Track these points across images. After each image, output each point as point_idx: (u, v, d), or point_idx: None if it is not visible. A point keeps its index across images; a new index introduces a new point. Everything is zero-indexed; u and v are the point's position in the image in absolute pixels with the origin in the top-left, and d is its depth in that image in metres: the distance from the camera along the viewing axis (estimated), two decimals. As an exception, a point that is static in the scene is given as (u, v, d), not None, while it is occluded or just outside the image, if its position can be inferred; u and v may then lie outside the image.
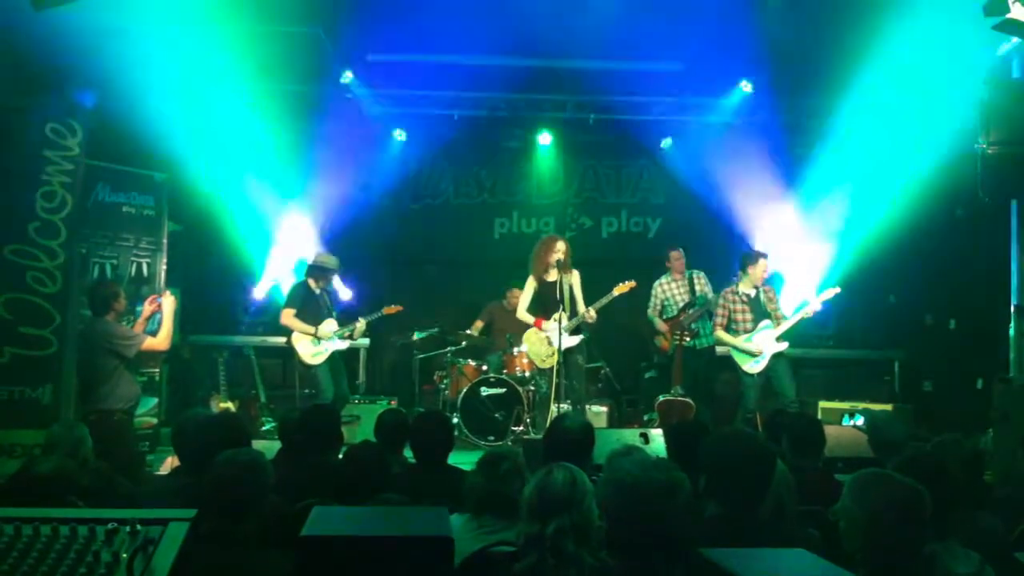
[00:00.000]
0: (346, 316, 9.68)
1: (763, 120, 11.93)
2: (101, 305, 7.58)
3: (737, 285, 9.47)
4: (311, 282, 9.40)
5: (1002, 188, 8.16)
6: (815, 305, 9.22)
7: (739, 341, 9.25)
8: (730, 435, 3.74)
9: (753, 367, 9.21)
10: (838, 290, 9.27)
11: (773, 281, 9.96)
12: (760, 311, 9.28)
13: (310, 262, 9.57)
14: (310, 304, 9.33)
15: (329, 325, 9.24)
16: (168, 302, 7.92)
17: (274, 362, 11.07)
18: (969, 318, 10.47)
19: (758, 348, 9.16)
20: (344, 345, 9.37)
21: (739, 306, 9.35)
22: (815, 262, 10.94)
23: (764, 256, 9.46)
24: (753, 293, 9.35)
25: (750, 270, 9.36)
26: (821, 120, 11.53)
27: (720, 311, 9.45)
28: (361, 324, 9.44)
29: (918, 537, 2.91)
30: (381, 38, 10.31)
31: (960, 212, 10.25)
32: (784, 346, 9.17)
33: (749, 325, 9.26)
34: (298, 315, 9.23)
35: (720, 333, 9.42)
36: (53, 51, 7.94)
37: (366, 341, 10.76)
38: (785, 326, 9.17)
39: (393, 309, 9.76)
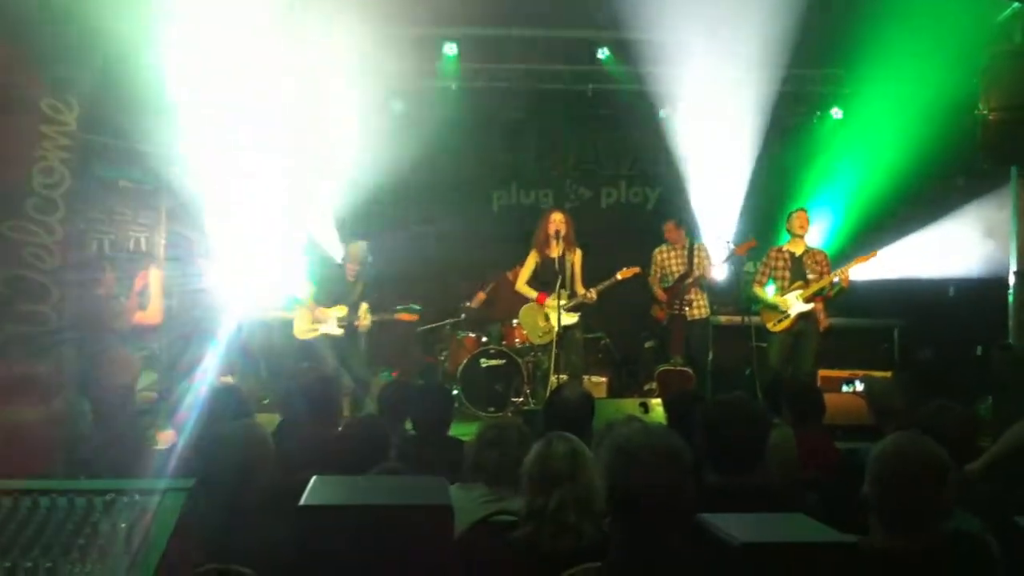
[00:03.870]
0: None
1: (762, 89, 11.92)
2: (90, 280, 7.61)
3: (784, 244, 9.53)
4: (348, 267, 9.67)
5: (1002, 154, 8.14)
6: (847, 270, 9.09)
7: (766, 296, 9.29)
8: (725, 401, 3.74)
9: (776, 325, 9.23)
10: (875, 254, 9.18)
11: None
12: (799, 272, 9.26)
13: None
14: (330, 284, 9.62)
15: (333, 311, 9.37)
16: (154, 276, 7.98)
17: (274, 335, 11.06)
18: (968, 285, 10.46)
19: (784, 305, 9.17)
20: (337, 331, 9.39)
21: (780, 263, 9.38)
22: (814, 229, 10.91)
23: (800, 209, 9.51)
24: (798, 253, 9.35)
25: (787, 225, 9.47)
26: (820, 89, 11.53)
27: (762, 268, 9.52)
28: (366, 316, 9.48)
29: (945, 500, 2.94)
30: (380, 8, 10.24)
31: (960, 179, 10.23)
32: (809, 307, 9.11)
33: (786, 284, 9.27)
34: (316, 292, 9.50)
35: (755, 289, 9.47)
36: (49, 25, 7.90)
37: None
38: (813, 288, 9.12)
39: (407, 316, 9.92)
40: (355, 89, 11.35)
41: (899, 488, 2.93)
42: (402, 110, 12.15)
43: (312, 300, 9.41)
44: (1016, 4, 7.60)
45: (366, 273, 9.77)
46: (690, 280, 9.76)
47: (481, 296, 11.38)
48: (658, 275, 10.02)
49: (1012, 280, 8.44)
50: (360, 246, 9.70)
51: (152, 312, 7.84)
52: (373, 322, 9.54)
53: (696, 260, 9.90)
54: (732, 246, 9.89)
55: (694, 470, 2.73)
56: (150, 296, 7.94)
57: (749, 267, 10.43)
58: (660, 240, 10.16)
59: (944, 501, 2.95)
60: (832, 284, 9.06)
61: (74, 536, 2.09)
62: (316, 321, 9.30)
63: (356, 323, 9.40)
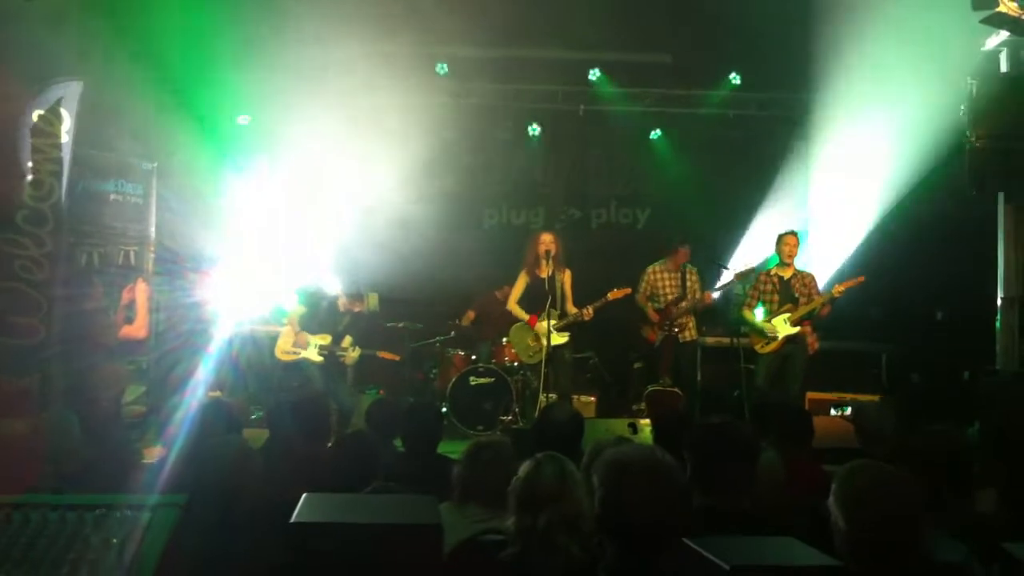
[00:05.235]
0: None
1: (752, 112, 12.03)
2: (77, 293, 7.60)
3: (772, 267, 9.53)
4: (342, 300, 9.61)
5: (989, 182, 8.19)
6: (834, 293, 9.07)
7: (755, 319, 9.29)
8: (714, 424, 3.75)
9: (763, 347, 9.24)
10: (862, 279, 9.19)
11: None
12: (788, 295, 9.25)
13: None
14: (319, 311, 9.57)
15: (316, 338, 9.37)
16: (140, 290, 7.96)
17: (263, 351, 11.04)
18: (957, 310, 10.50)
19: (771, 329, 9.17)
20: (317, 359, 9.39)
21: (769, 287, 9.37)
22: (806, 254, 10.95)
23: (791, 234, 9.45)
24: (787, 276, 9.34)
25: (777, 248, 9.45)
26: (810, 113, 11.60)
27: (751, 291, 9.49)
28: (353, 352, 9.47)
29: (909, 527, 2.92)
30: (372, 28, 10.28)
31: (949, 206, 10.27)
32: (797, 330, 9.11)
33: (775, 307, 9.26)
34: (304, 315, 9.47)
35: (745, 312, 9.45)
36: (40, 39, 7.90)
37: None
38: (801, 311, 9.12)
39: (389, 355, 9.93)
40: (348, 107, 11.41)
41: (861, 515, 2.93)
42: (394, 128, 12.18)
43: (297, 321, 9.39)
44: (1004, 32, 7.66)
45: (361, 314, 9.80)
46: (685, 304, 9.78)
47: (471, 315, 11.38)
48: (647, 292, 10.01)
49: (1000, 305, 8.49)
50: (373, 298, 9.74)
51: (139, 326, 7.83)
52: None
53: (688, 284, 9.90)
54: (732, 272, 9.89)
55: (685, 492, 2.74)
56: (137, 310, 7.93)
57: (739, 289, 10.45)
58: (649, 260, 10.15)
59: (916, 528, 2.94)
60: (822, 304, 9.08)
61: (65, 551, 2.09)
62: (297, 345, 9.31)
63: (341, 357, 9.41)
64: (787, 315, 9.12)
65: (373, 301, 9.69)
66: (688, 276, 9.96)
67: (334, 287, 9.98)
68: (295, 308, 9.55)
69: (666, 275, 10.00)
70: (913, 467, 3.13)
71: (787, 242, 9.35)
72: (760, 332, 9.23)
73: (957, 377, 9.67)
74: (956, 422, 6.61)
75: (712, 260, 10.21)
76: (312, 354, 9.30)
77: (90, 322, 7.52)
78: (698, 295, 9.85)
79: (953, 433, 4.33)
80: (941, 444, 4.10)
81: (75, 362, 7.49)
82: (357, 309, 9.63)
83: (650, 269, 10.07)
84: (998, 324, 8.47)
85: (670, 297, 9.88)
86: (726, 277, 9.97)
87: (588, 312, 9.10)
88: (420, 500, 2.73)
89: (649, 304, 9.97)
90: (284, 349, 9.39)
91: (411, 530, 2.43)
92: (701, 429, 3.79)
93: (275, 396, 9.49)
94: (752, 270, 9.77)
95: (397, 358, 9.97)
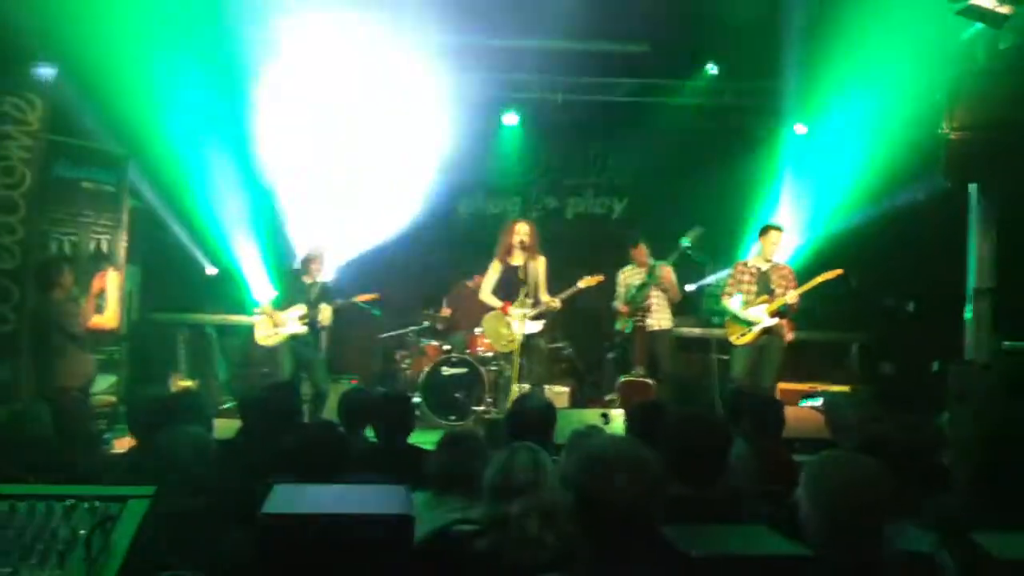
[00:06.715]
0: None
1: (729, 102, 12.07)
2: (46, 282, 7.52)
3: (750, 258, 9.50)
4: (304, 276, 9.53)
5: (963, 172, 8.23)
6: (810, 285, 9.02)
7: (733, 308, 9.24)
8: (688, 415, 3.77)
9: (739, 338, 9.20)
10: (840, 272, 9.14)
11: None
12: (765, 287, 9.19)
13: None
14: (290, 290, 9.45)
15: (292, 311, 9.23)
16: (112, 279, 7.87)
17: (235, 340, 11.00)
18: (927, 301, 10.56)
19: (750, 318, 9.14)
20: (302, 329, 9.28)
21: (746, 278, 9.29)
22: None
23: (775, 228, 9.38)
24: (764, 267, 9.28)
25: (761, 240, 9.36)
26: (784, 103, 11.63)
27: (730, 281, 9.42)
28: (326, 311, 9.37)
29: (878, 517, 2.93)
30: (345, 11, 10.22)
31: (921, 196, 10.33)
32: (775, 321, 9.06)
33: (752, 298, 9.18)
34: (277, 299, 9.39)
35: (724, 301, 9.37)
36: (13, 24, 7.82)
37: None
38: (778, 302, 9.03)
39: (367, 297, 9.71)
40: (318, 94, 11.35)
41: (830, 504, 2.94)
42: (368, 116, 12.13)
43: (271, 306, 9.29)
44: (979, 24, 7.69)
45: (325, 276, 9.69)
46: (648, 291, 9.77)
47: (446, 312, 11.34)
48: (622, 297, 10.02)
49: (970, 296, 8.54)
50: (322, 248, 9.62)
51: (108, 316, 7.76)
52: (335, 311, 9.45)
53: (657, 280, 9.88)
54: (685, 244, 9.80)
55: (658, 481, 2.74)
56: (107, 299, 7.84)
57: (711, 280, 10.48)
58: (624, 251, 10.15)
59: (885, 518, 2.95)
60: (796, 300, 9.06)
61: (34, 542, 2.08)
62: (276, 325, 9.20)
63: (319, 319, 9.30)
64: (765, 306, 9.11)
65: (322, 251, 9.60)
66: (656, 272, 9.89)
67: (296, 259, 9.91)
68: (268, 295, 9.46)
69: (636, 276, 9.99)
70: (882, 458, 3.13)
71: (771, 237, 9.28)
72: (741, 321, 9.18)
73: (927, 368, 9.72)
74: (926, 413, 6.68)
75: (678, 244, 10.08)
76: (295, 327, 9.20)
77: (59, 310, 7.44)
78: (668, 289, 9.85)
79: (922, 424, 4.36)
80: (910, 435, 4.13)
81: (43, 350, 7.43)
82: (319, 272, 9.53)
83: (620, 273, 10.07)
84: (968, 315, 8.53)
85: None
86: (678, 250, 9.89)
87: (555, 302, 9.06)
88: (392, 490, 2.73)
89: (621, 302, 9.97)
90: (264, 334, 9.27)
91: (383, 520, 2.42)
92: (675, 419, 3.81)
93: (246, 385, 9.45)
94: (699, 233, 9.71)
95: (376, 296, 9.77)
